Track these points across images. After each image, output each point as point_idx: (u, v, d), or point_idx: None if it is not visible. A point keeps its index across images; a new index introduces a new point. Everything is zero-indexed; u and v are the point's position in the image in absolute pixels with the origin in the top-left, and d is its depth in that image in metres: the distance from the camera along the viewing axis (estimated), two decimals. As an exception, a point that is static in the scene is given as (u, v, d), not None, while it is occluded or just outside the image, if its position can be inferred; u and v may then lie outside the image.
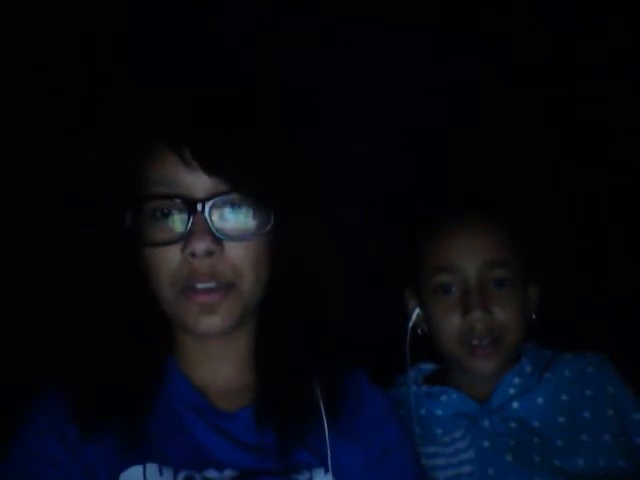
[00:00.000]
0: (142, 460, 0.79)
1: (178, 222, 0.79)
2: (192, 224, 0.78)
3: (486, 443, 1.00)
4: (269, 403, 0.86)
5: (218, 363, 0.89)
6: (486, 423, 1.02)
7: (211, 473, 0.80)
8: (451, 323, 1.02)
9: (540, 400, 1.03)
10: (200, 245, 0.77)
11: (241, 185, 0.79)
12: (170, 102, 0.84)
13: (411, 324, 1.08)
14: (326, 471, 0.83)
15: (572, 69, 1.28)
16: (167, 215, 0.80)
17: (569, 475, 0.95)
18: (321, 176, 1.22)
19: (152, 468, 0.79)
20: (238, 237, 0.80)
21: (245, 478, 0.81)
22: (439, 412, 1.05)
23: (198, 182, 0.79)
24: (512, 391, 1.04)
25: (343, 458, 0.85)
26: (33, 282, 1.15)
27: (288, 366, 0.87)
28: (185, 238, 0.78)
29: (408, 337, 1.07)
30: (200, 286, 0.79)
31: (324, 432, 0.84)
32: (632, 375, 1.06)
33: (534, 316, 1.07)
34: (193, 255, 0.78)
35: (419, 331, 1.09)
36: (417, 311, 1.09)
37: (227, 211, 0.80)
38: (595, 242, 1.30)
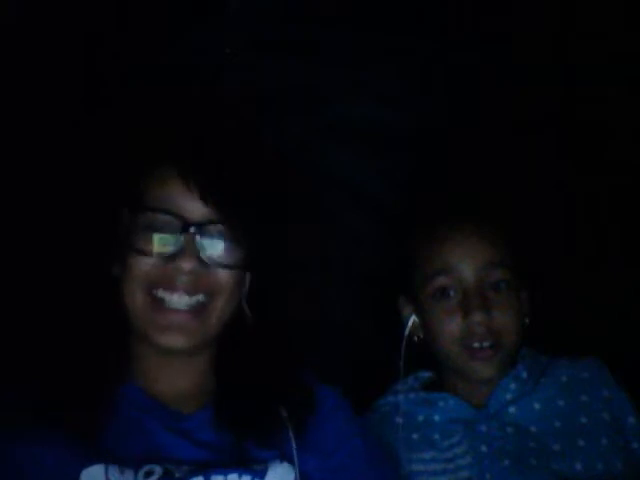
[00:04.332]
0: (103, 459, 0.81)
1: (169, 238, 0.86)
2: (184, 243, 0.85)
3: (483, 448, 1.00)
4: (225, 411, 0.89)
5: (177, 377, 0.93)
6: (483, 428, 1.02)
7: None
8: (451, 327, 1.02)
9: (537, 405, 1.02)
10: (187, 265, 0.85)
11: (231, 220, 0.87)
12: (182, 130, 0.93)
13: (407, 332, 1.08)
14: (281, 460, 0.86)
15: (572, 69, 1.28)
16: (157, 230, 0.86)
17: (566, 479, 0.96)
18: (319, 179, 1.24)
19: (113, 467, 0.81)
20: (220, 264, 0.87)
21: (201, 470, 0.83)
22: (437, 418, 1.05)
23: (193, 207, 0.86)
24: (508, 396, 1.04)
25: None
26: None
27: (246, 381, 0.91)
28: (175, 254, 0.85)
29: (403, 345, 1.07)
30: (172, 303, 0.86)
31: (289, 439, 0.88)
32: (631, 376, 1.06)
33: (527, 320, 1.06)
34: (177, 270, 0.85)
35: (415, 338, 1.08)
36: (413, 318, 1.09)
37: (215, 237, 0.87)
38: (595, 242, 1.30)
